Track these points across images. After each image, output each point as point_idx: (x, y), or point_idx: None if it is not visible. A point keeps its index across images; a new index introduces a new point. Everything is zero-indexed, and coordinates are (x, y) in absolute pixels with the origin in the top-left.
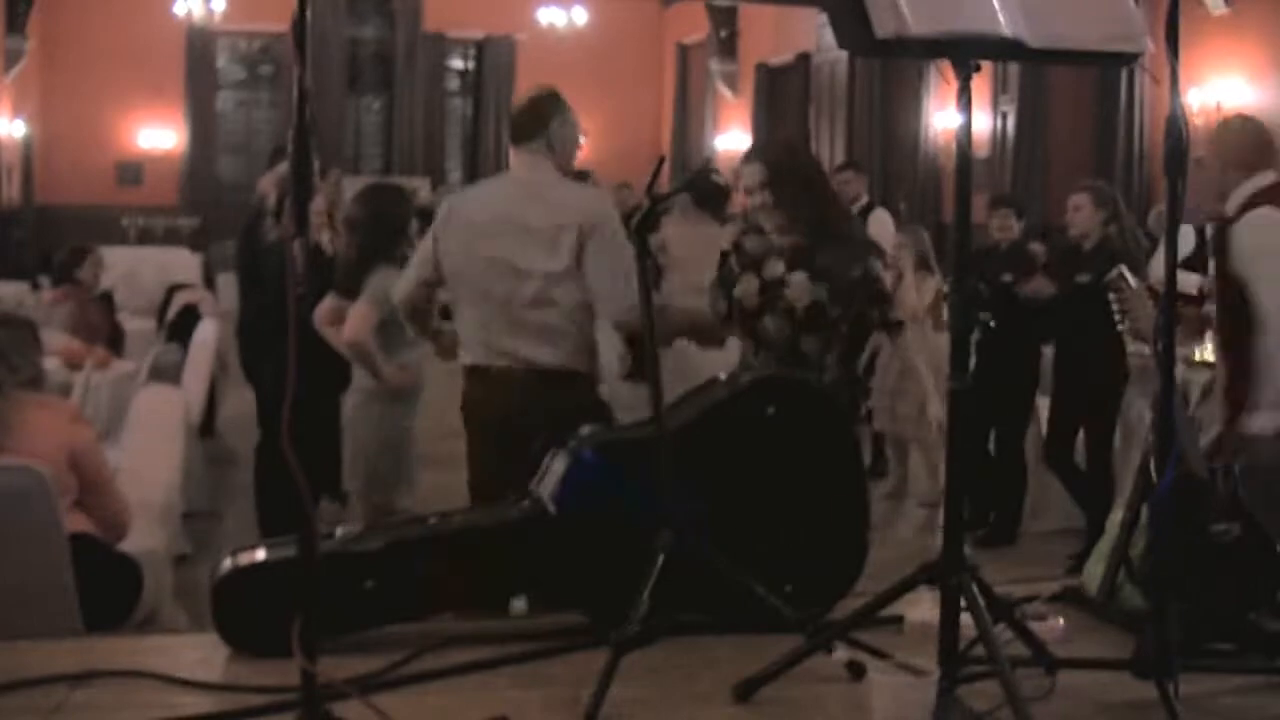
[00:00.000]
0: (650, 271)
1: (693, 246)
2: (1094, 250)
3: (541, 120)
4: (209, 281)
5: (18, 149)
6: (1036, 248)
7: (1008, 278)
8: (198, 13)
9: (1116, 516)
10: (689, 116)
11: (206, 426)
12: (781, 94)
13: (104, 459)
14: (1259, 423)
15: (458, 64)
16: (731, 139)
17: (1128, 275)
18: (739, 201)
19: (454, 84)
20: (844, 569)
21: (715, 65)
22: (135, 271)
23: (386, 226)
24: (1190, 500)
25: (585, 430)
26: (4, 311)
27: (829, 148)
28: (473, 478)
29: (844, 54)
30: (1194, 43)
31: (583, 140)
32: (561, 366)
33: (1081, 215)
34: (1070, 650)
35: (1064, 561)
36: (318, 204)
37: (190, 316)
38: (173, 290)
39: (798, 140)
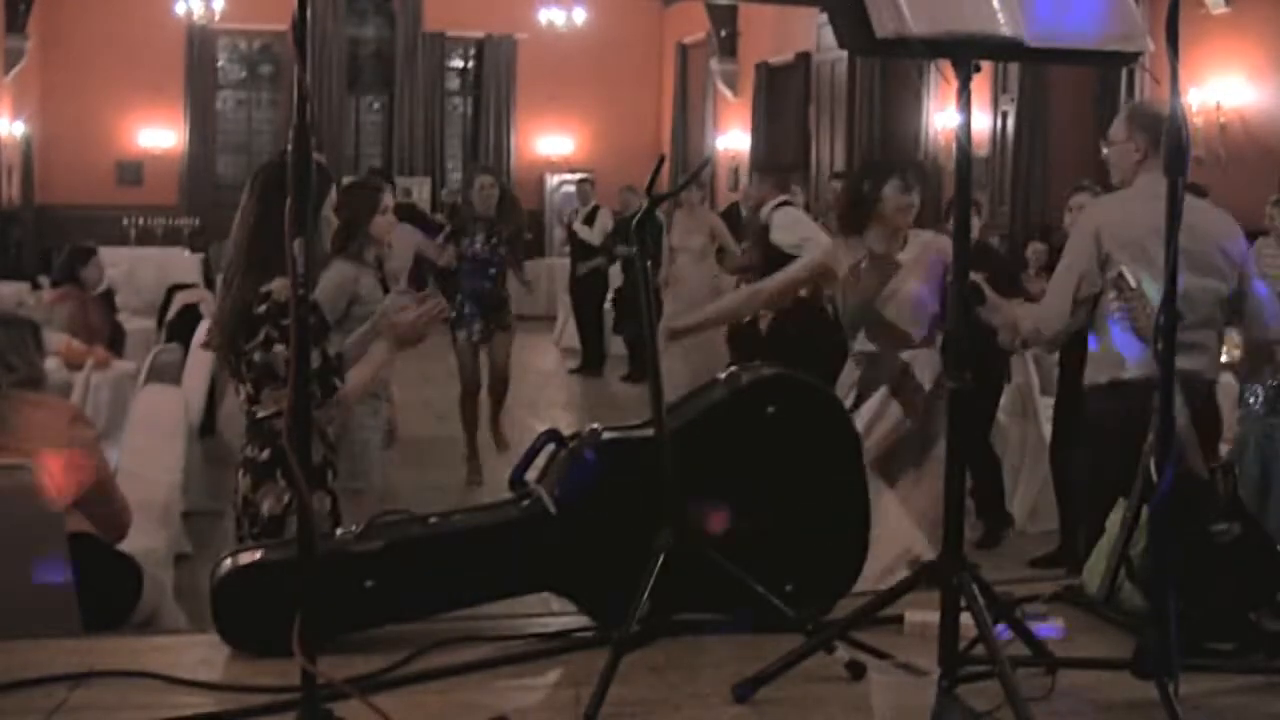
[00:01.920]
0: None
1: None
2: None
3: None
4: (209, 281)
5: (18, 149)
6: (1039, 246)
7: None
8: (198, 12)
9: (1116, 516)
10: (689, 116)
11: (206, 426)
12: (781, 94)
13: (104, 459)
14: None
15: (458, 64)
16: (732, 139)
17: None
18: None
19: (454, 84)
20: (844, 568)
21: (715, 65)
22: (135, 271)
23: (350, 223)
24: (1190, 500)
25: (586, 430)
26: (4, 311)
27: (829, 148)
28: None
29: (844, 54)
30: (1194, 42)
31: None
32: None
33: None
34: (1070, 650)
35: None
36: None
37: (190, 316)
38: (173, 290)
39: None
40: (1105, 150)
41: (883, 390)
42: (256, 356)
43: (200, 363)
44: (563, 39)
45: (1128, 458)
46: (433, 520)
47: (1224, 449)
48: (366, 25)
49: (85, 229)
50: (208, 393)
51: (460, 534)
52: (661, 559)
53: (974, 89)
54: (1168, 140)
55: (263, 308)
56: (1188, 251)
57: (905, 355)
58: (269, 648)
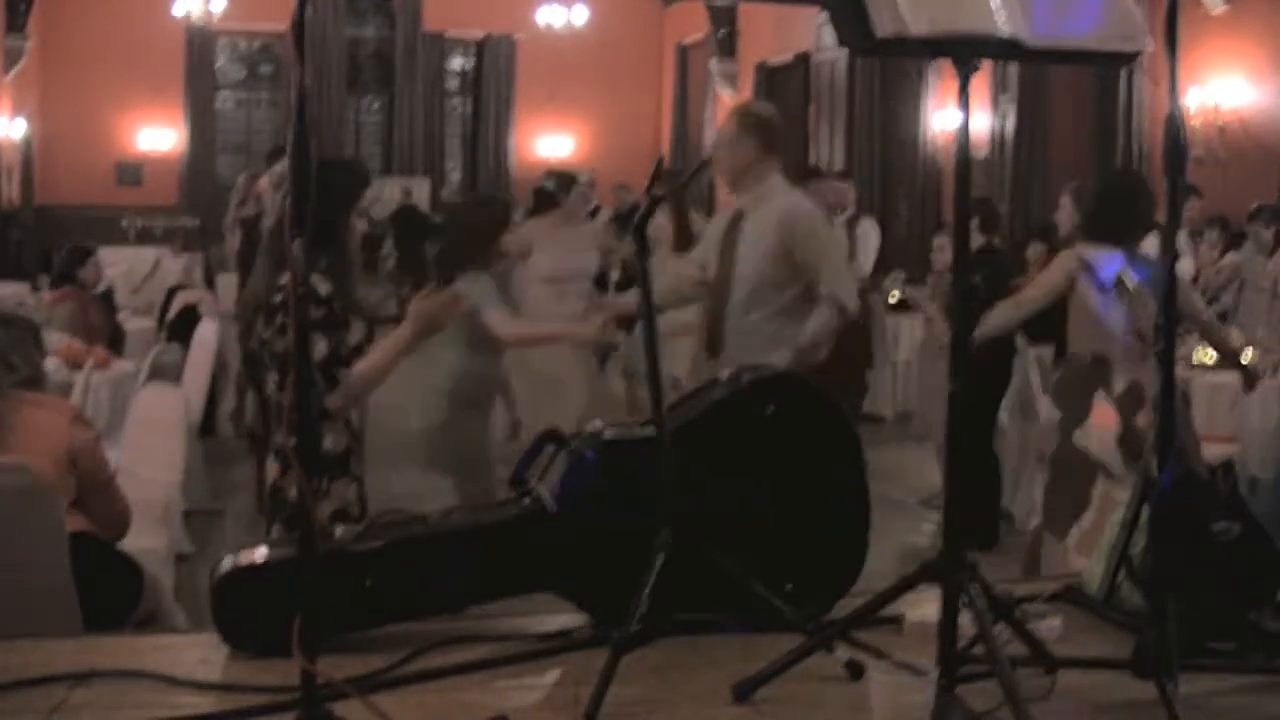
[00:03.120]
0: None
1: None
2: None
3: None
4: (209, 281)
5: (18, 149)
6: (1039, 247)
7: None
8: (197, 12)
9: (1117, 515)
10: (689, 116)
11: (206, 426)
12: (781, 94)
13: (104, 459)
14: None
15: (458, 64)
16: None
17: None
18: None
19: (454, 84)
20: (844, 568)
21: (715, 65)
22: (135, 271)
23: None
24: (1190, 500)
25: (586, 429)
26: (5, 311)
27: (829, 148)
28: None
29: (844, 54)
30: (1194, 43)
31: None
32: None
33: (1063, 214)
34: (1070, 650)
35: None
36: None
37: (190, 316)
38: (173, 290)
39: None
40: (712, 147)
41: None
42: (278, 345)
43: (200, 363)
44: (562, 39)
45: None
46: (433, 520)
47: (1229, 449)
48: (366, 25)
49: (85, 229)
50: (208, 393)
51: (460, 534)
52: (661, 559)
53: (974, 89)
54: (1167, 140)
55: (279, 297)
56: None
57: None
58: (269, 647)
